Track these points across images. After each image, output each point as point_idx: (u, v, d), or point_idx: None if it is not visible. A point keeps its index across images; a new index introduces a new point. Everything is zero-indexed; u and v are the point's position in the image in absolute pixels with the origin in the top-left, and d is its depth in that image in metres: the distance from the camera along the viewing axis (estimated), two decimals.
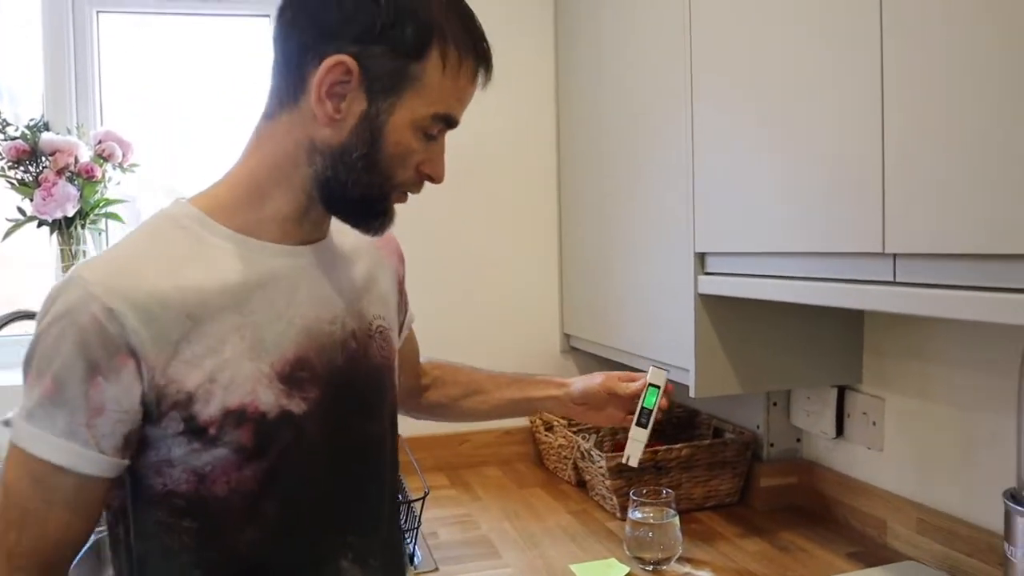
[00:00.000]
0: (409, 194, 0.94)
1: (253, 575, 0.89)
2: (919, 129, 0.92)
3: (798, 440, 1.76)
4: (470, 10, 0.90)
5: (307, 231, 0.93)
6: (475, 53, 0.88)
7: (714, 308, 1.44)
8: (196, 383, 0.82)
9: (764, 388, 1.55)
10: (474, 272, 2.16)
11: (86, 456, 0.80)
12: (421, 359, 1.32)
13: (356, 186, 0.87)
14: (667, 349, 1.56)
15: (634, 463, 1.28)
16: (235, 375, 0.84)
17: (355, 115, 0.85)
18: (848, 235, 1.04)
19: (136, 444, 0.83)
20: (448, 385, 1.32)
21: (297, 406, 0.88)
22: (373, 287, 1.04)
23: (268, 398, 0.86)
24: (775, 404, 1.74)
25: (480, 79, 0.90)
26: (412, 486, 1.69)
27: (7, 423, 0.82)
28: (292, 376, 0.88)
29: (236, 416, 0.84)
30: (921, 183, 0.92)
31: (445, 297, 2.10)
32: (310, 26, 0.84)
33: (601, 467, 1.68)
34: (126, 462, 0.83)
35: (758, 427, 1.76)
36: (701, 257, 1.44)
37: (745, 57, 1.26)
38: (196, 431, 0.83)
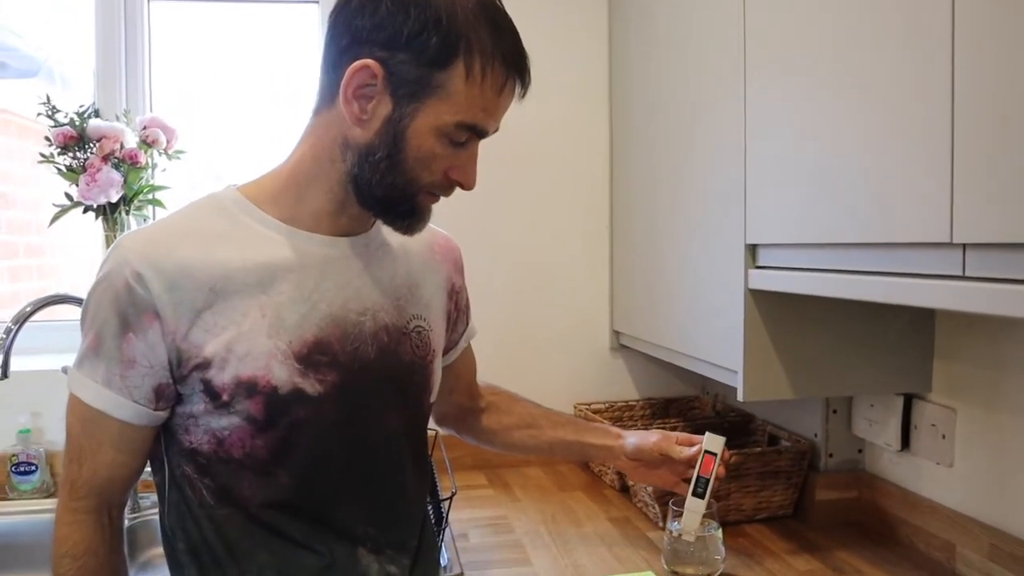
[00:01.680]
0: (442, 196, 0.95)
1: (265, 541, 0.92)
2: (993, 101, 0.81)
3: (860, 451, 1.63)
4: (506, 22, 0.89)
5: (345, 224, 0.96)
6: (504, 65, 0.88)
7: (766, 305, 1.34)
8: (213, 350, 0.88)
9: (821, 393, 1.44)
10: (524, 268, 2.08)
11: (121, 403, 0.88)
12: (481, 383, 1.31)
13: (380, 186, 0.90)
14: (716, 348, 1.47)
15: (690, 537, 1.22)
16: (251, 348, 0.89)
17: (380, 117, 0.88)
18: (912, 223, 0.93)
19: (171, 398, 0.90)
20: (503, 413, 1.30)
21: (312, 386, 0.91)
22: (417, 289, 1.06)
23: (282, 374, 0.90)
24: (835, 411, 1.62)
25: (511, 90, 0.90)
26: (444, 485, 1.63)
27: (65, 371, 0.93)
28: (310, 358, 0.91)
29: (247, 387, 0.88)
30: (995, 163, 0.81)
31: (494, 293, 2.03)
32: (346, 31, 0.88)
33: None
34: (160, 413, 0.91)
35: (816, 435, 1.64)
36: (752, 249, 1.33)
37: (800, 34, 1.15)
38: (212, 395, 0.88)
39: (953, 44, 0.85)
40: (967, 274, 0.87)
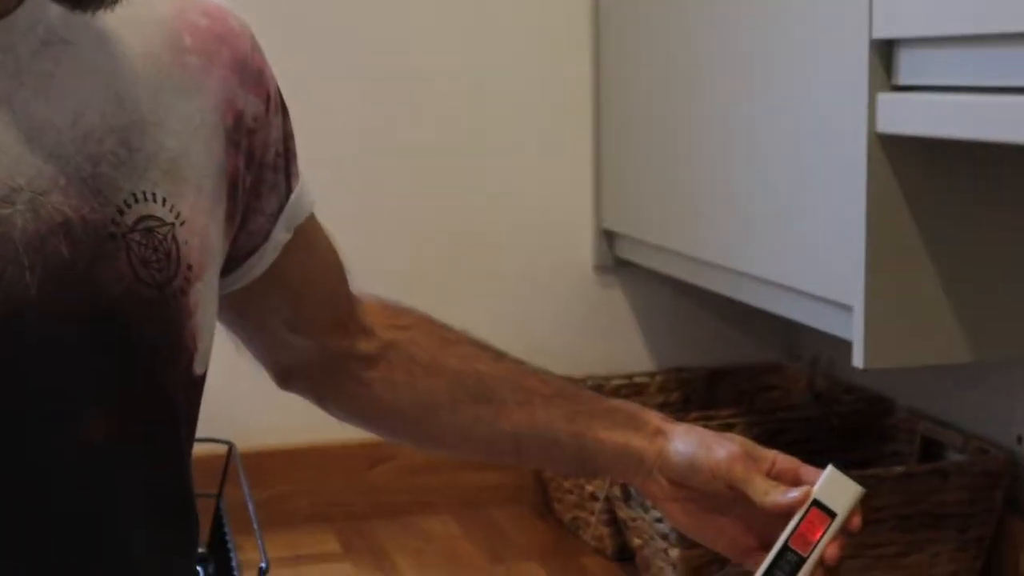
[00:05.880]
0: None
1: None
2: None
3: None
4: None
5: None
6: None
7: (914, 170, 0.86)
8: None
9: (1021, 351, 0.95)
10: (451, 134, 1.34)
11: None
12: (370, 298, 0.79)
13: None
14: (809, 264, 1.00)
15: None
16: None
17: None
18: None
19: None
20: (418, 368, 0.78)
21: None
22: (144, 133, 0.64)
23: None
24: None
25: None
26: (243, 559, 0.97)
27: None
28: None
29: None
30: None
31: (403, 177, 1.29)
32: None
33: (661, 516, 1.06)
34: None
35: (1021, 440, 1.12)
36: (886, 49, 0.85)
37: None
38: None
39: None
40: None
